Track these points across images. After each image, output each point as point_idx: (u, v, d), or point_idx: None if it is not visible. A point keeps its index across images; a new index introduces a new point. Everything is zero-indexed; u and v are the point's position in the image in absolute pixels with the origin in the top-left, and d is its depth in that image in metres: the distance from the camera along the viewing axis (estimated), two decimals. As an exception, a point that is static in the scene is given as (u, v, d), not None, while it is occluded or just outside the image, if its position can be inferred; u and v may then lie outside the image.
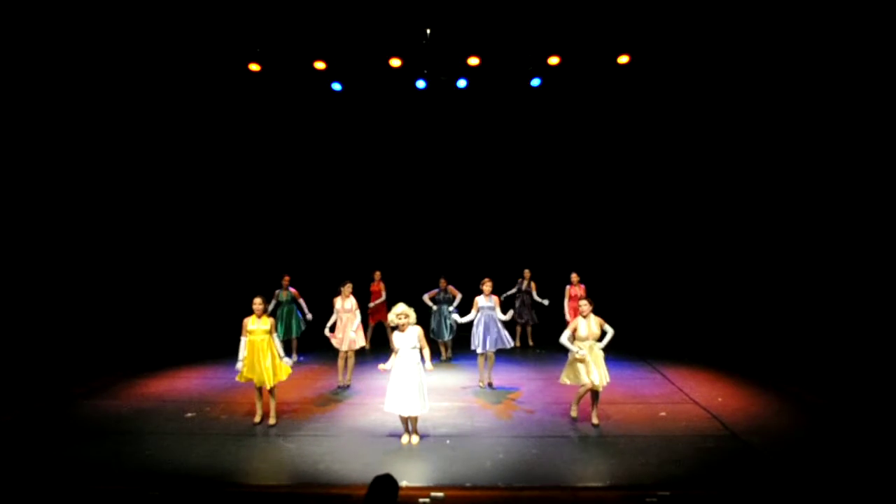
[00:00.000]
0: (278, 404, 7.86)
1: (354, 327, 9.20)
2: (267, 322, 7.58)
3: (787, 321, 10.78)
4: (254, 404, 7.83)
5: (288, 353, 10.43)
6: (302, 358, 11.18)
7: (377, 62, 11.53)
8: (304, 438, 7.16)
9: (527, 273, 11.89)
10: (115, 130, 11.65)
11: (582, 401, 7.78)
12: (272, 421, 7.67)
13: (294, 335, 10.96)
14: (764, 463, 6.40)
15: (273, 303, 10.79)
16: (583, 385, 7.43)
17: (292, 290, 11.02)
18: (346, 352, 9.20)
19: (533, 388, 9.28)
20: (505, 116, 13.55)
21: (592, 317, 7.46)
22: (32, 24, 9.62)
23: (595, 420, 7.57)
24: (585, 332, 7.39)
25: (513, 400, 8.75)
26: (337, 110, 13.41)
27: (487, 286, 9.05)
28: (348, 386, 9.28)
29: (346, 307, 9.16)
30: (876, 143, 9.42)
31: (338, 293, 9.21)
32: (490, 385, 9.27)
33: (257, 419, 7.70)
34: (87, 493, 5.75)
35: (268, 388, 7.52)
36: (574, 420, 7.74)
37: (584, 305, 7.47)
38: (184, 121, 12.61)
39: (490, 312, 9.03)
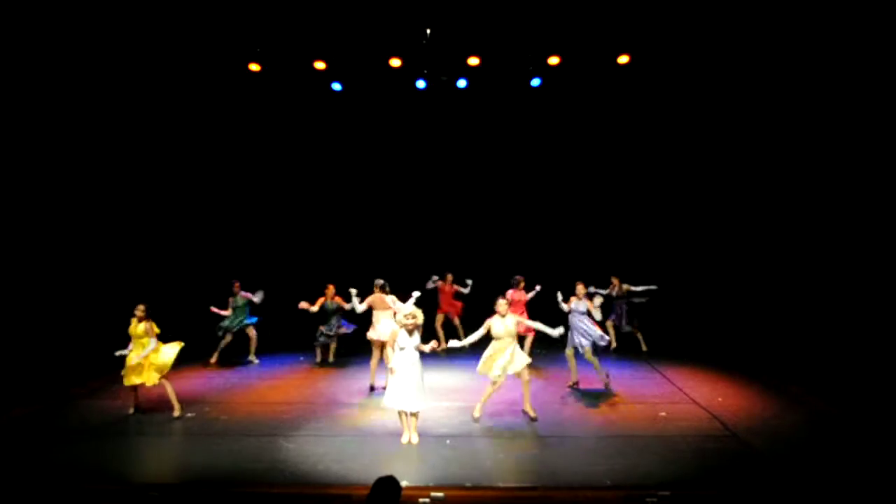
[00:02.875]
0: (279, 403, 7.84)
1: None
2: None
3: (788, 321, 10.78)
4: (253, 404, 7.88)
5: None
6: (301, 358, 11.18)
7: (377, 62, 11.52)
8: (304, 438, 7.15)
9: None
10: (117, 131, 11.64)
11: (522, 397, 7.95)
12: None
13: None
14: (764, 463, 6.40)
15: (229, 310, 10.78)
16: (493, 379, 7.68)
17: (244, 294, 10.88)
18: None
19: (532, 388, 9.24)
20: (505, 116, 13.54)
21: (510, 316, 7.72)
22: (33, 24, 9.62)
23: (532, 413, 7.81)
24: (501, 330, 7.63)
25: (513, 400, 8.74)
26: (337, 110, 13.41)
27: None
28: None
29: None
30: (876, 143, 9.42)
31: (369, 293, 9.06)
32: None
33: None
34: (87, 493, 5.74)
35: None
36: (476, 420, 7.74)
37: (502, 305, 7.70)
38: (184, 121, 12.60)
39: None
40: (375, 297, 8.91)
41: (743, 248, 12.06)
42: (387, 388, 6.95)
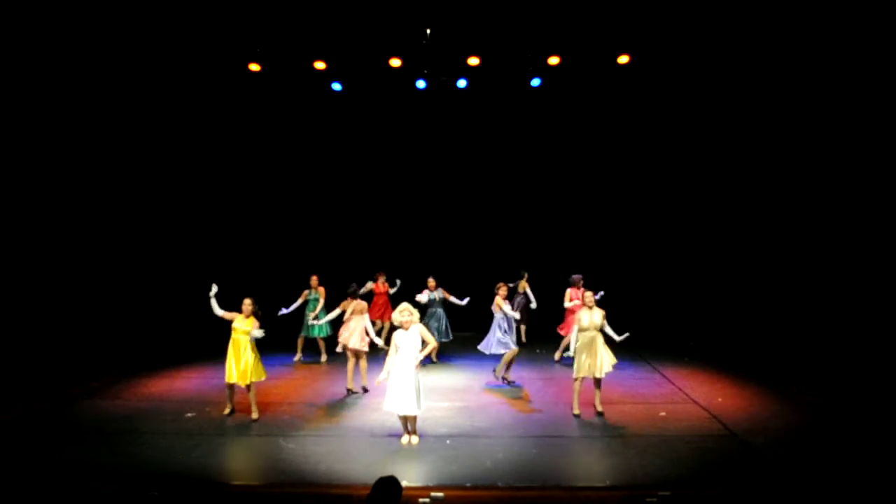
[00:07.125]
0: (279, 404, 7.85)
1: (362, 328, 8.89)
2: (251, 323, 7.71)
3: (787, 321, 10.78)
4: (259, 403, 7.91)
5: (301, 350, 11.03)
6: (302, 358, 11.17)
7: (377, 62, 11.52)
8: (304, 438, 7.16)
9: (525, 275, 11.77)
10: (116, 130, 11.65)
11: (582, 393, 8.00)
12: (255, 416, 7.80)
13: (317, 335, 10.83)
14: (764, 463, 6.41)
15: (300, 301, 10.76)
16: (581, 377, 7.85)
17: (321, 289, 10.94)
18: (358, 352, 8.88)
19: (532, 388, 9.28)
20: (505, 116, 13.52)
21: (596, 309, 7.94)
22: (33, 24, 9.62)
23: (599, 407, 7.94)
24: (587, 322, 7.82)
25: (513, 400, 8.75)
26: (337, 110, 13.40)
27: (503, 290, 9.39)
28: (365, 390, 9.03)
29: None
30: (875, 143, 9.43)
31: (345, 297, 9.04)
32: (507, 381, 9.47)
33: (226, 411, 7.93)
34: (87, 493, 5.75)
35: (243, 385, 7.70)
36: (578, 416, 7.84)
37: (589, 298, 7.97)
38: (184, 121, 12.60)
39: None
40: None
41: (743, 247, 12.06)
42: (386, 392, 6.93)
